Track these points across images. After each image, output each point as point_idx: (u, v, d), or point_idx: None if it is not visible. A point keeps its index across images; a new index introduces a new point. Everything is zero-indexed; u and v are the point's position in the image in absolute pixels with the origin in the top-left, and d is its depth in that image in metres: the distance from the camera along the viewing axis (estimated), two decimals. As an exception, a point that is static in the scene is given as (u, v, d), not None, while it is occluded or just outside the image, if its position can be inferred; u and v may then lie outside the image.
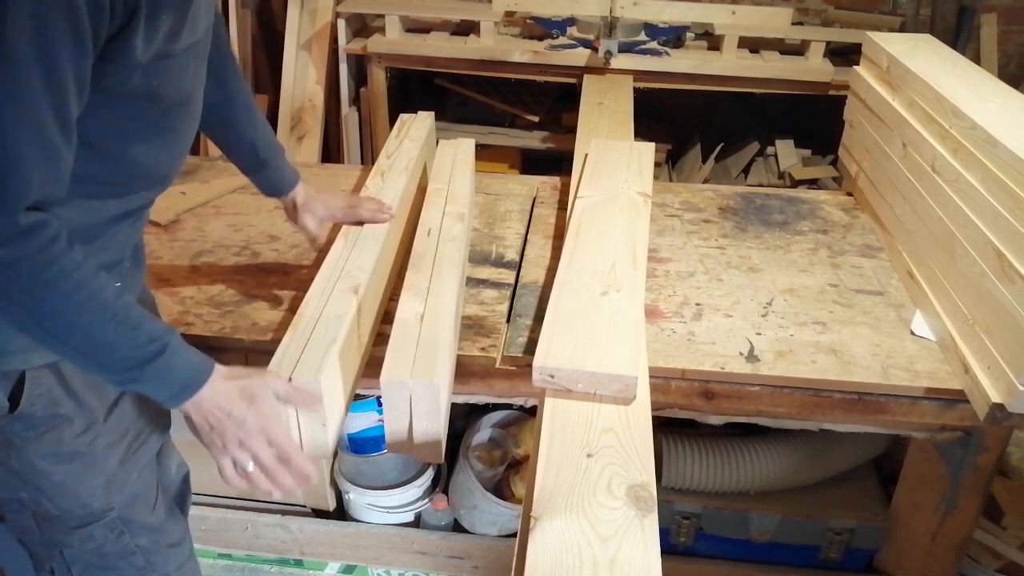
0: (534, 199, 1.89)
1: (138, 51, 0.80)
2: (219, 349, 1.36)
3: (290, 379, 1.03)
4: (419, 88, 3.05)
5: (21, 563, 1.09)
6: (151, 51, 0.82)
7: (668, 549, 1.66)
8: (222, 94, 1.19)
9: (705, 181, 2.80)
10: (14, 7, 0.69)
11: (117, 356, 0.85)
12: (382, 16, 2.65)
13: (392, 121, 2.13)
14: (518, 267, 1.61)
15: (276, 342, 1.12)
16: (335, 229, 1.71)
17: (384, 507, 1.85)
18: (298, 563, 1.87)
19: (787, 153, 2.76)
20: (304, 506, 1.91)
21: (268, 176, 1.32)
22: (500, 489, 1.88)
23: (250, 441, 0.93)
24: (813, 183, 2.68)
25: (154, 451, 1.13)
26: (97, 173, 0.88)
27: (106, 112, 0.84)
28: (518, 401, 1.48)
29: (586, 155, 1.75)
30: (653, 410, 1.10)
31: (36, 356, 0.93)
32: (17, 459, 0.98)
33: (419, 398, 1.08)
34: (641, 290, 1.27)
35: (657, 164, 2.42)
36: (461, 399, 1.46)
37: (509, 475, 1.91)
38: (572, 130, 2.15)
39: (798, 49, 2.65)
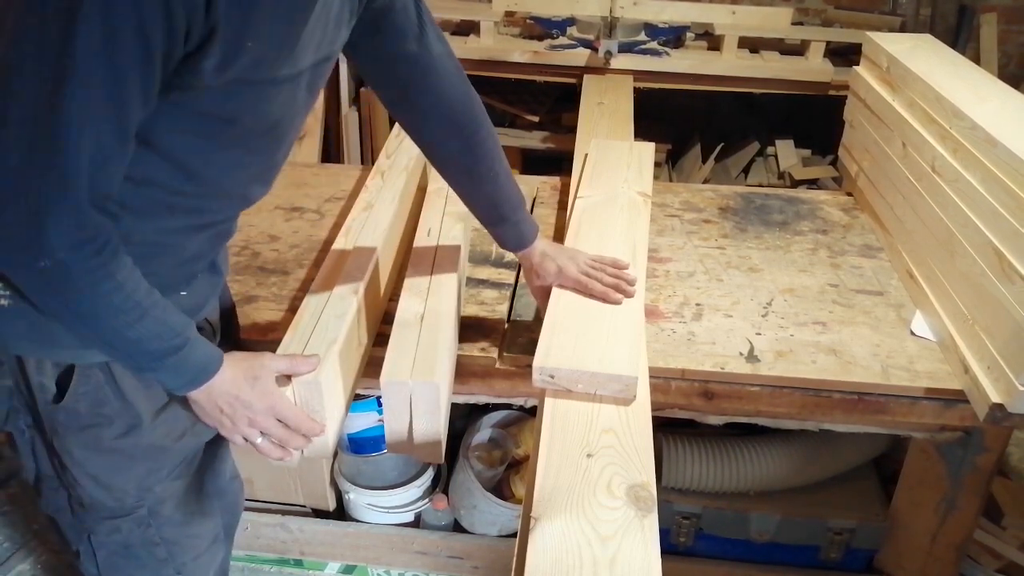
0: (534, 199, 1.89)
1: (207, 74, 0.79)
2: (219, 349, 1.36)
3: (289, 378, 1.03)
4: (419, 88, 3.04)
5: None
6: (227, 76, 0.81)
7: (668, 549, 1.66)
8: (457, 145, 1.16)
9: (705, 181, 2.80)
10: (85, 21, 0.70)
11: (142, 349, 0.89)
12: (382, 16, 2.65)
13: (392, 121, 2.13)
14: (518, 267, 1.61)
15: (276, 342, 1.12)
16: (335, 228, 1.71)
17: (384, 507, 1.85)
18: (298, 563, 1.87)
19: (787, 153, 2.76)
20: (304, 506, 1.91)
21: (504, 231, 1.25)
22: (500, 489, 1.88)
23: (258, 419, 0.99)
24: (813, 183, 2.68)
25: (194, 450, 1.13)
26: (165, 181, 0.88)
27: (177, 124, 0.84)
28: (518, 401, 1.48)
29: (586, 155, 1.75)
30: (653, 410, 1.09)
31: (89, 354, 0.95)
32: (58, 443, 1.01)
33: (419, 398, 1.08)
34: (641, 290, 1.27)
35: (657, 164, 2.41)
36: (461, 399, 1.46)
37: (509, 475, 1.91)
38: (572, 130, 2.15)
39: (798, 49, 2.65)
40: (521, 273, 1.58)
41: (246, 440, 1.00)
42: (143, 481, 1.05)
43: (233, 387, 0.97)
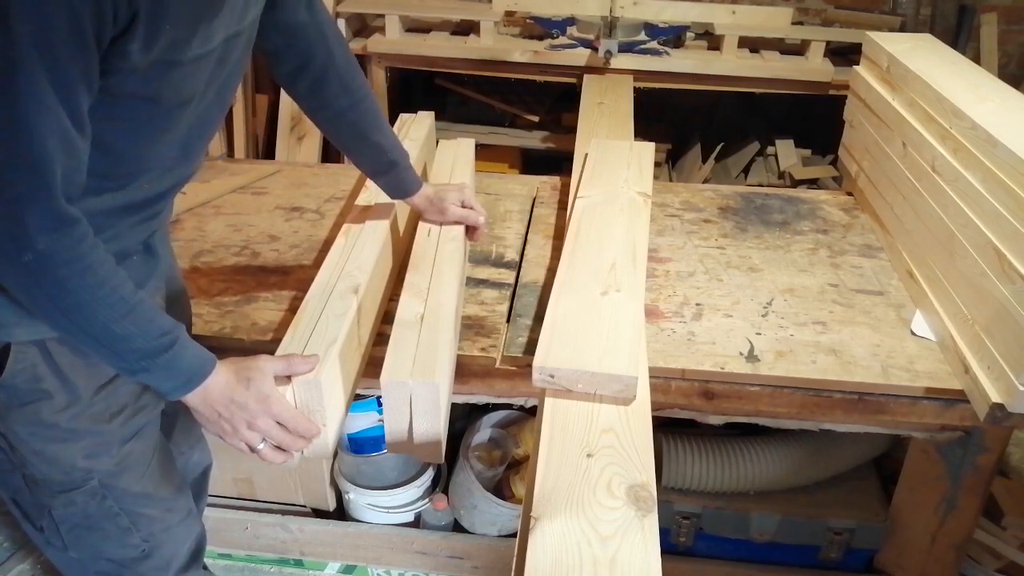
0: (534, 199, 1.89)
1: (134, 56, 0.83)
2: (219, 349, 1.34)
3: (289, 378, 1.03)
4: (419, 88, 3.05)
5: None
6: (150, 58, 0.84)
7: (668, 549, 1.66)
8: (349, 99, 1.25)
9: (705, 181, 2.80)
10: (17, 14, 0.73)
11: (131, 347, 0.90)
12: (382, 16, 2.65)
13: (392, 121, 2.12)
14: (518, 267, 1.61)
15: (276, 342, 1.12)
16: (335, 228, 1.72)
17: (384, 507, 1.85)
18: (298, 563, 1.87)
19: (787, 153, 2.76)
20: (304, 506, 1.91)
21: (398, 176, 1.36)
22: (500, 489, 1.88)
23: (257, 421, 0.99)
24: (813, 183, 2.68)
25: (139, 425, 1.13)
26: (95, 166, 0.90)
27: (104, 110, 0.86)
28: (518, 401, 1.48)
29: (586, 155, 1.75)
30: (653, 410, 1.10)
31: (21, 331, 0.96)
32: (2, 423, 1.02)
33: (419, 398, 1.08)
34: (641, 290, 1.27)
35: (657, 164, 2.42)
36: (461, 399, 1.46)
37: (509, 475, 1.91)
38: (572, 130, 2.15)
39: (798, 49, 2.65)
40: (514, 270, 1.58)
41: (250, 448, 1.01)
42: (89, 453, 1.06)
43: (228, 389, 0.98)
